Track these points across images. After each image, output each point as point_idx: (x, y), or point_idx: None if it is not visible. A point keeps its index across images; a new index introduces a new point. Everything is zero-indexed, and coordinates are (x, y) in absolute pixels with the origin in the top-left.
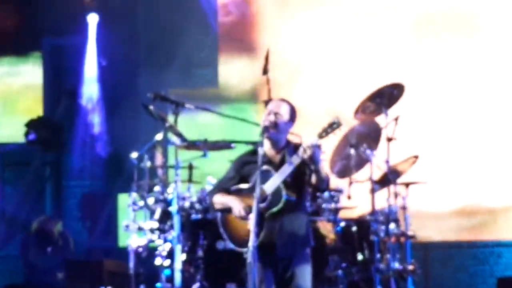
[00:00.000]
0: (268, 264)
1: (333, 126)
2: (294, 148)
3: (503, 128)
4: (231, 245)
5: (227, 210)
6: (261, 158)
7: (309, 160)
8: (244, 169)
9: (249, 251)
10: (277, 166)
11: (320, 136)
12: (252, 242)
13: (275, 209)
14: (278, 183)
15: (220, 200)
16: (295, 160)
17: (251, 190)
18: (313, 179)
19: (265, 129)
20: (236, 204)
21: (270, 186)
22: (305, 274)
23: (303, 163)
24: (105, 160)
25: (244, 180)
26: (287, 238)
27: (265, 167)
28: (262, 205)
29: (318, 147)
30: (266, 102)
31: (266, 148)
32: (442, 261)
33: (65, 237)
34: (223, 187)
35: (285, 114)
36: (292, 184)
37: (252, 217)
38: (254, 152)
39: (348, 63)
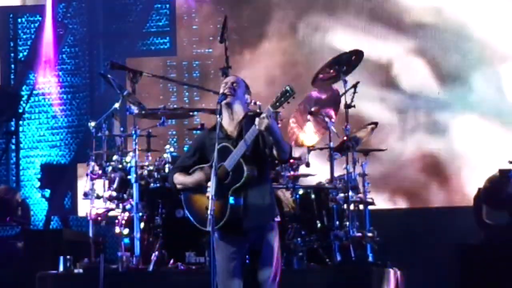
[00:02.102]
0: (235, 239)
1: (286, 95)
2: (251, 119)
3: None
4: (198, 226)
5: (189, 190)
6: (219, 130)
7: (266, 132)
8: (204, 147)
9: (208, 220)
10: (236, 140)
11: (274, 106)
12: (210, 210)
13: (237, 185)
14: (238, 159)
15: (180, 179)
16: (252, 133)
17: (211, 167)
18: (274, 150)
19: (224, 96)
20: (196, 177)
21: (230, 163)
22: (273, 245)
23: (261, 135)
24: (64, 129)
25: (204, 157)
26: (253, 212)
27: (223, 144)
28: (225, 182)
29: (273, 117)
30: (223, 70)
31: (224, 121)
32: (400, 228)
33: (24, 207)
34: (183, 166)
35: (242, 85)
36: (252, 157)
37: (211, 187)
38: (212, 129)
39: None
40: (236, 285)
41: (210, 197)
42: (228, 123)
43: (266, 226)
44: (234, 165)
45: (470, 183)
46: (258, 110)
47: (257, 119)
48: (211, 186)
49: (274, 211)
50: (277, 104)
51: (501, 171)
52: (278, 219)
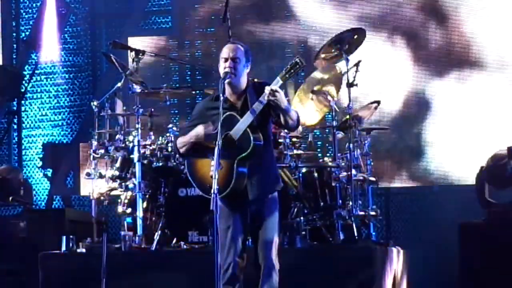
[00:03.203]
0: (238, 209)
1: (295, 67)
2: (254, 88)
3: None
4: (200, 193)
5: (193, 154)
6: (223, 104)
7: (274, 103)
8: (207, 115)
9: (212, 199)
10: (240, 110)
11: (283, 78)
12: (214, 190)
13: (244, 154)
14: (245, 128)
15: (182, 140)
16: (260, 104)
17: (216, 136)
18: (282, 119)
19: (226, 75)
20: (199, 130)
21: (236, 132)
22: (274, 218)
23: (268, 105)
24: (66, 109)
25: None
26: (258, 181)
27: (228, 113)
28: (231, 151)
29: (281, 88)
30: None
31: (227, 93)
32: (403, 207)
33: (26, 186)
34: (185, 134)
35: (242, 58)
36: (259, 127)
37: (214, 163)
38: (215, 98)
39: None
40: (237, 253)
41: (213, 176)
42: (231, 93)
43: (270, 196)
44: (241, 134)
45: (474, 161)
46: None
47: (266, 89)
48: (214, 163)
49: (278, 181)
50: (287, 75)
51: (509, 148)
52: (279, 188)
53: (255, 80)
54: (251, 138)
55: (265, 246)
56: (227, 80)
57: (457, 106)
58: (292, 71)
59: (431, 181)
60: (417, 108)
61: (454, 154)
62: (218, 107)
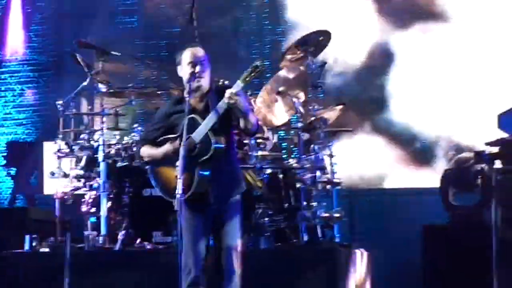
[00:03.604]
0: (199, 212)
1: (256, 69)
2: (216, 92)
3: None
4: (164, 197)
5: (157, 162)
6: (186, 107)
7: (235, 105)
8: (169, 120)
9: (176, 200)
10: (202, 113)
11: (243, 81)
12: (178, 190)
13: (205, 157)
14: (206, 131)
15: (148, 152)
16: (221, 107)
17: (179, 139)
18: (241, 124)
19: (194, 77)
20: (165, 148)
21: (198, 135)
22: (235, 221)
23: (229, 108)
24: (31, 107)
25: (170, 130)
26: (220, 185)
27: (190, 116)
28: (192, 154)
29: (241, 91)
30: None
31: (187, 95)
32: (368, 209)
33: None
34: (149, 138)
35: (207, 60)
36: (220, 130)
37: (180, 165)
38: (177, 101)
39: None
40: (200, 255)
41: (178, 177)
42: (194, 96)
43: (232, 199)
44: (202, 137)
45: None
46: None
47: (226, 93)
48: (180, 165)
49: (241, 184)
50: (247, 78)
51: (476, 152)
52: (243, 190)
53: (220, 82)
54: (212, 141)
55: (226, 250)
56: (197, 84)
57: (421, 58)
58: (252, 74)
59: (394, 131)
60: (380, 60)
61: (417, 105)
62: (179, 111)
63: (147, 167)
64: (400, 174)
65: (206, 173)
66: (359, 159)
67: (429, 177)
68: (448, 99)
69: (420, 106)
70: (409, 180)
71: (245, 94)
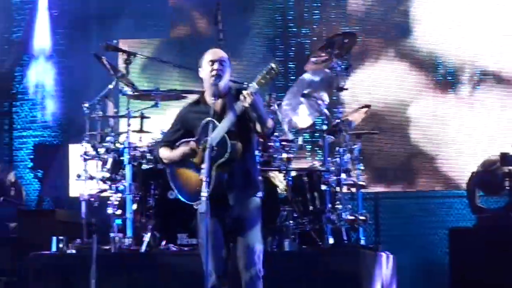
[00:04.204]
0: (217, 215)
1: (270, 72)
2: (234, 93)
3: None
4: (183, 199)
5: (175, 163)
6: (203, 108)
7: (250, 108)
8: (188, 121)
9: (202, 201)
10: (220, 115)
11: (259, 83)
12: (204, 192)
13: (222, 160)
14: (223, 134)
15: (166, 155)
16: (236, 109)
17: (197, 142)
18: (257, 125)
19: (215, 77)
20: (182, 149)
21: (214, 137)
22: (255, 223)
23: (245, 111)
24: (57, 110)
25: (189, 132)
26: (237, 187)
27: (208, 118)
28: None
29: (257, 94)
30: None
31: (208, 96)
32: (393, 212)
33: (17, 186)
34: (168, 140)
35: (227, 61)
36: (237, 133)
37: (204, 167)
38: (195, 103)
39: None
40: (222, 258)
41: (203, 179)
42: (211, 97)
43: (249, 201)
44: (219, 140)
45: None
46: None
47: (241, 95)
48: (205, 167)
49: (258, 187)
50: (262, 81)
51: (503, 154)
52: (260, 195)
53: (233, 86)
54: (229, 144)
55: (246, 253)
56: (217, 82)
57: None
58: (267, 76)
59: (418, 58)
60: None
61: (442, 31)
62: (197, 113)
63: (166, 168)
64: (424, 101)
65: (224, 175)
66: (383, 86)
67: (453, 104)
68: (473, 23)
69: (444, 31)
70: (433, 107)
71: (259, 96)
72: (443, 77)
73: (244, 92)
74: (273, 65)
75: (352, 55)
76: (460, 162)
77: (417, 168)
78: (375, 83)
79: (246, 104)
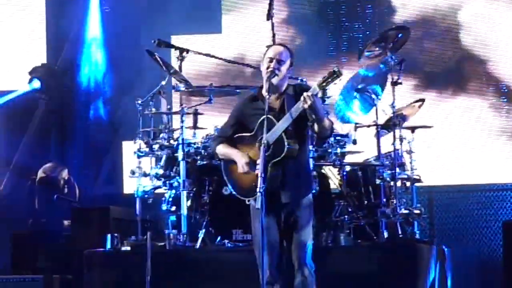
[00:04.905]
0: (271, 211)
1: (333, 76)
2: (293, 91)
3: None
4: (236, 194)
5: (230, 160)
6: (261, 104)
7: (310, 110)
8: (246, 117)
9: (257, 197)
10: (277, 112)
11: (320, 86)
12: (259, 188)
13: (278, 159)
14: (280, 133)
15: (223, 151)
16: (296, 110)
17: (254, 138)
18: (315, 127)
19: (271, 75)
20: (238, 159)
21: (271, 136)
22: (307, 220)
23: (304, 112)
24: (109, 107)
25: (245, 127)
26: (290, 186)
27: (266, 115)
28: (266, 154)
29: (316, 96)
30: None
31: (265, 93)
32: (447, 205)
33: (71, 184)
34: (224, 135)
35: (286, 60)
36: (293, 132)
37: (259, 163)
38: (253, 99)
39: None
40: (275, 254)
41: (259, 175)
42: (270, 95)
43: (303, 198)
44: (275, 138)
45: None
46: (299, 81)
47: (302, 96)
48: (260, 164)
49: (311, 185)
50: (324, 84)
51: None
52: (313, 191)
53: (298, 80)
54: (285, 143)
55: (299, 248)
56: (271, 80)
57: None
58: (329, 80)
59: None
60: None
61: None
62: (255, 109)
63: (220, 163)
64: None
65: (278, 173)
66: None
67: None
68: None
69: None
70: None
71: (319, 99)
72: None
73: (305, 94)
74: (336, 69)
75: None
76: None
77: (468, 72)
78: None
79: (306, 106)
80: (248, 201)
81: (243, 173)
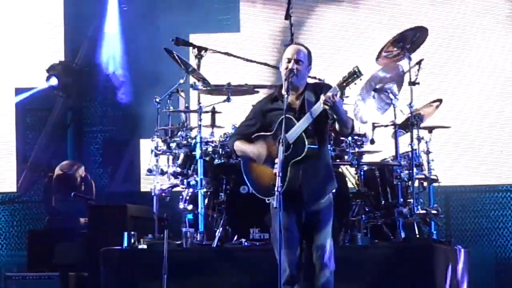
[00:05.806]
0: (292, 211)
1: (353, 76)
2: (312, 90)
3: None
4: (255, 193)
5: (249, 157)
6: (281, 104)
7: (330, 110)
8: (265, 116)
9: (275, 196)
10: (297, 112)
11: (341, 86)
12: (277, 187)
13: (298, 158)
14: (300, 132)
15: (240, 147)
16: (316, 110)
17: (273, 137)
18: (337, 126)
19: (289, 74)
20: (255, 151)
21: (292, 135)
22: (328, 220)
23: (324, 111)
24: (127, 105)
25: (264, 126)
26: (311, 185)
27: (286, 115)
28: (285, 154)
29: (338, 96)
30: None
31: (285, 93)
32: (464, 206)
33: (88, 182)
34: (242, 133)
35: (305, 60)
36: (314, 132)
37: (277, 162)
38: (273, 99)
39: None
40: (295, 254)
41: (277, 174)
42: (290, 94)
43: (323, 198)
44: (296, 137)
45: None
46: (318, 79)
47: (321, 98)
48: (278, 163)
49: (331, 185)
50: (344, 84)
51: None
52: (333, 190)
53: (317, 79)
54: (306, 142)
55: (319, 248)
56: (290, 79)
57: None
58: (349, 79)
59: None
60: None
61: None
62: (275, 109)
63: (240, 161)
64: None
65: (298, 173)
66: None
67: None
68: None
69: None
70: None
71: (340, 99)
72: None
73: (326, 95)
74: (356, 69)
75: None
76: None
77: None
78: None
79: (327, 107)
80: (268, 200)
81: (262, 166)
